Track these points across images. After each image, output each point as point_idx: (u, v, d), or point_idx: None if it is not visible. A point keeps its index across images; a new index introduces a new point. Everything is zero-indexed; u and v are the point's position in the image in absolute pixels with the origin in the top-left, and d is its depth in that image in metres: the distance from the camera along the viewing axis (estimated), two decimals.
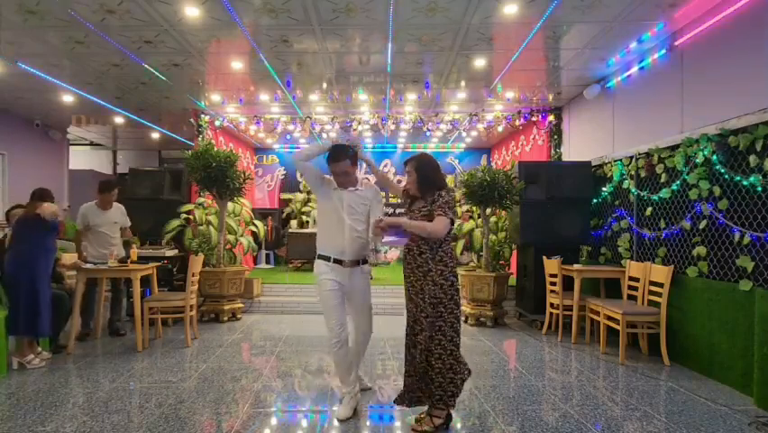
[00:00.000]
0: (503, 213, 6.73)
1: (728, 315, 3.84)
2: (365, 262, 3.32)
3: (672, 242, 4.66)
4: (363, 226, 3.21)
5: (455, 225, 9.48)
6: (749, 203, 3.72)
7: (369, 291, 3.37)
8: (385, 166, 10.85)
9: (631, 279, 4.97)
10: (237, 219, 7.45)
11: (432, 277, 2.89)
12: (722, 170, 3.96)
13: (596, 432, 2.97)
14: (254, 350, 4.95)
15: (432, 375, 2.89)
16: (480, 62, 5.65)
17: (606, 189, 5.90)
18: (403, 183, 3.30)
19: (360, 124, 8.04)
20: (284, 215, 10.74)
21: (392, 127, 8.17)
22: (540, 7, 4.26)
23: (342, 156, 3.19)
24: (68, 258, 5.44)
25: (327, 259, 3.20)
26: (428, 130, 8.24)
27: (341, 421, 3.09)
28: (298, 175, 11.00)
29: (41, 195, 4.40)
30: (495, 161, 10.50)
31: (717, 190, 4.01)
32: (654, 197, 4.87)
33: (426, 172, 3.02)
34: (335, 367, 3.35)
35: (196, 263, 5.11)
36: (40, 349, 4.34)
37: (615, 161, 5.72)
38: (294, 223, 10.43)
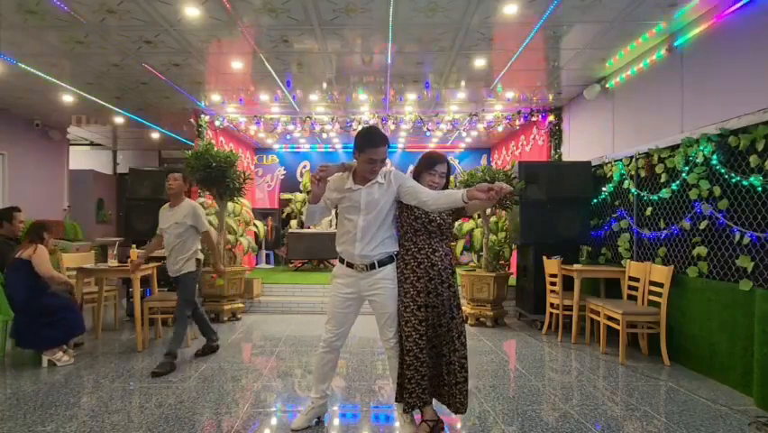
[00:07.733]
0: (503, 213, 6.73)
1: (728, 315, 3.84)
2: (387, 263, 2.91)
3: (671, 242, 4.65)
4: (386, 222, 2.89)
5: (455, 226, 9.55)
6: (749, 203, 3.72)
7: (390, 298, 2.91)
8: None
9: (631, 279, 4.97)
10: (237, 219, 7.46)
11: (446, 277, 2.86)
12: (722, 170, 3.96)
13: (596, 432, 2.97)
14: (254, 350, 4.95)
15: (459, 378, 2.75)
16: (479, 62, 5.65)
17: (606, 189, 5.90)
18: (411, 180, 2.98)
19: (360, 124, 8.04)
20: (284, 215, 10.73)
21: (392, 127, 8.16)
22: (540, 7, 4.26)
23: (384, 140, 2.82)
24: (68, 259, 5.44)
25: (341, 261, 2.96)
26: (428, 130, 8.23)
27: (293, 431, 2.95)
28: (298, 175, 11.02)
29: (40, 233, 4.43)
30: (495, 161, 10.49)
31: (717, 190, 4.00)
32: (654, 197, 4.87)
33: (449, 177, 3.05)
34: (313, 368, 3.10)
35: None
36: (65, 348, 4.37)
37: (615, 161, 5.72)
38: (294, 223, 10.42)
